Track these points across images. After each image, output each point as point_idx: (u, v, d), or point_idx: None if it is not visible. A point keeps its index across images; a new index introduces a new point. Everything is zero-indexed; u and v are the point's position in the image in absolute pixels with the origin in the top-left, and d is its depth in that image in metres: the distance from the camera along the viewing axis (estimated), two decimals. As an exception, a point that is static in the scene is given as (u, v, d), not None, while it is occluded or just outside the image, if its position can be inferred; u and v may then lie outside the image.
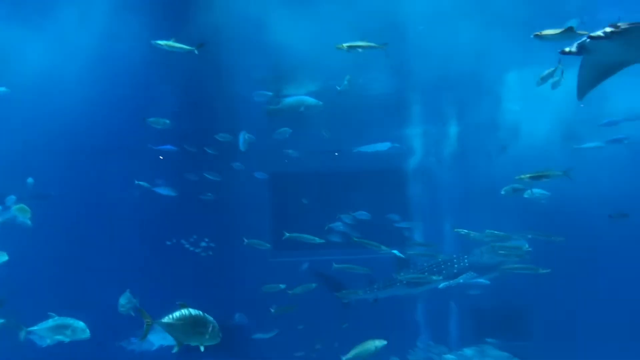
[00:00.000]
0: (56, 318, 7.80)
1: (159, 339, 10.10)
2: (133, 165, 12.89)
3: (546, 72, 10.15)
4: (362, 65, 11.04)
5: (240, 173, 13.03)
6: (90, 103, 11.78)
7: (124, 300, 9.39)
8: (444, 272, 11.72)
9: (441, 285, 11.51)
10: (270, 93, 12.30)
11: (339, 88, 10.65)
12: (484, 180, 12.34)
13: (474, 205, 13.07)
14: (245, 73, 12.01)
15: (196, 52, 7.96)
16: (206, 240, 14.07)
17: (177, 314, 5.60)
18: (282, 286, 10.95)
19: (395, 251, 10.88)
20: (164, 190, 12.35)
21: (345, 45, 7.97)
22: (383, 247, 9.95)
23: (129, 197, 13.05)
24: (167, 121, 10.98)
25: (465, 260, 11.86)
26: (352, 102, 12.54)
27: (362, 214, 12.68)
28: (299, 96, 12.54)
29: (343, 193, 14.30)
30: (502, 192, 9.47)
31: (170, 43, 7.87)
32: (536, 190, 10.21)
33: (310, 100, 12.28)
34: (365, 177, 14.64)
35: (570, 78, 12.10)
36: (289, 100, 12.53)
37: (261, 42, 10.70)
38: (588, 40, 5.15)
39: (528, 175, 8.38)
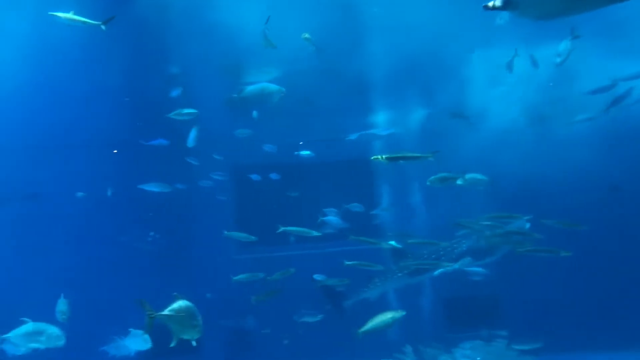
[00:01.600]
0: (30, 324, 7.38)
1: (135, 343, 9.46)
2: (76, 160, 12.16)
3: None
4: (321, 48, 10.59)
5: (200, 166, 12.45)
6: (26, 94, 11.07)
7: (64, 307, 8.63)
8: (442, 258, 11.34)
9: (436, 272, 11.11)
10: None
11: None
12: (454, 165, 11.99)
13: (446, 191, 12.70)
14: (199, 58, 11.39)
15: (103, 27, 7.29)
16: (160, 237, 13.41)
17: (175, 305, 5.43)
18: (261, 275, 10.53)
19: (392, 242, 10.38)
20: (153, 187, 11.65)
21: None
22: (382, 242, 9.87)
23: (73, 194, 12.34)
24: (193, 110, 10.40)
25: (464, 245, 11.51)
26: (315, 89, 12.08)
27: (356, 206, 12.26)
28: (261, 83, 11.97)
29: (311, 184, 13.78)
30: (428, 183, 8.90)
31: (71, 16, 7.25)
32: (470, 176, 9.61)
33: (273, 87, 11.78)
34: (335, 168, 14.12)
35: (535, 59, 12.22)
36: (251, 89, 12.01)
37: (212, 23, 10.11)
38: None
39: (385, 157, 7.72)
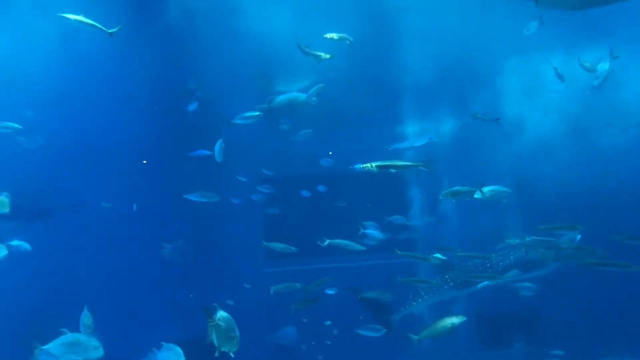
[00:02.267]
0: (69, 334, 7.36)
1: (168, 357, 9.24)
2: (101, 167, 12.16)
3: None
4: (350, 55, 10.37)
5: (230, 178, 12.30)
6: (55, 100, 11.10)
7: (88, 320, 8.47)
8: (489, 271, 10.99)
9: (479, 285, 10.77)
10: None
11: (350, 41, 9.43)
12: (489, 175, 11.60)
13: (480, 203, 12.29)
14: (229, 68, 11.29)
15: (110, 35, 7.28)
16: (190, 248, 13.29)
17: (218, 316, 5.39)
18: (298, 285, 10.20)
19: (438, 255, 10.05)
20: (199, 197, 11.23)
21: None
22: (428, 257, 9.39)
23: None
24: (257, 113, 10.32)
25: (511, 258, 11.12)
26: (346, 98, 11.87)
27: (398, 219, 11.89)
28: (291, 93, 11.83)
29: (341, 196, 13.50)
30: (440, 197, 8.50)
31: (81, 18, 7.18)
32: (490, 188, 8.82)
33: (303, 96, 11.60)
34: (365, 179, 13.80)
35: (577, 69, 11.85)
36: (281, 99, 11.84)
37: (241, 31, 9.99)
38: None
39: (375, 165, 7.42)
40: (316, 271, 11.64)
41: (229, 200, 12.50)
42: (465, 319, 7.14)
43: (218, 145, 10.36)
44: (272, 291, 10.07)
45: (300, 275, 11.86)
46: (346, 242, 9.59)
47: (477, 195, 8.58)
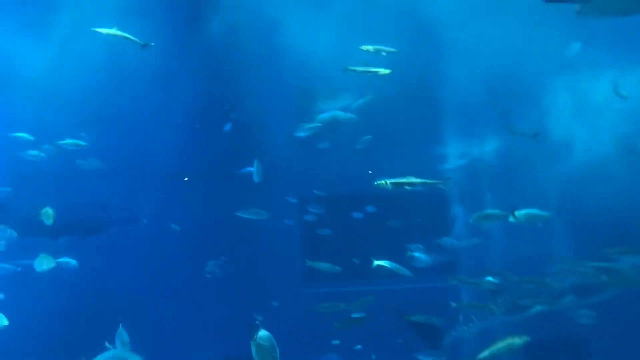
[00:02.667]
0: (112, 351, 7.38)
1: None
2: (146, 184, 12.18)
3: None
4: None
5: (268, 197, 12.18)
6: (94, 116, 11.18)
7: (125, 337, 8.33)
8: (543, 296, 10.49)
9: (533, 310, 10.41)
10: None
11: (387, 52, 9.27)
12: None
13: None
14: (269, 86, 11.24)
15: (142, 46, 7.28)
16: (230, 265, 13.17)
17: (260, 334, 5.20)
18: (342, 305, 10.04)
19: (489, 278, 9.79)
20: (250, 214, 11.24)
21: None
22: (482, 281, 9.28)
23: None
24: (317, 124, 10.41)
25: (566, 282, 10.57)
26: (389, 117, 11.64)
27: (447, 241, 11.69)
28: (333, 111, 11.71)
29: (381, 215, 13.19)
30: (471, 221, 8.33)
31: (114, 31, 7.22)
32: (524, 212, 8.27)
33: (344, 115, 11.48)
34: (405, 198, 13.47)
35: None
36: (323, 117, 11.73)
37: (282, 47, 9.92)
38: None
39: (390, 182, 7.24)
40: (356, 293, 11.36)
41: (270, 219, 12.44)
42: (528, 339, 6.75)
43: (255, 165, 10.36)
44: (314, 309, 9.94)
45: (339, 297, 11.64)
46: (394, 264, 9.29)
47: (511, 219, 8.25)
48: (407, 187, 7.36)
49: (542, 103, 12.22)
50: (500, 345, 6.66)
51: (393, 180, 7.26)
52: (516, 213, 8.13)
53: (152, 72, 10.20)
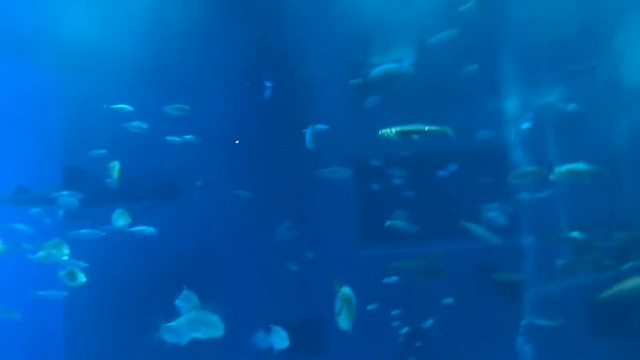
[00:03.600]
0: (193, 312, 7.12)
1: (275, 340, 8.98)
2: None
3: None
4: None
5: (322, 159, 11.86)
6: (143, 77, 10.99)
7: (193, 299, 8.25)
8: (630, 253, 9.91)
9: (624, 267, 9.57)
10: None
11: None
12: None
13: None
14: (319, 41, 10.79)
15: None
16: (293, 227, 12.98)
17: (344, 290, 5.29)
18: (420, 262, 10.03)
19: (575, 233, 9.43)
20: (333, 173, 11.02)
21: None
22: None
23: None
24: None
25: None
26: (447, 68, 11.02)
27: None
28: (388, 64, 11.06)
29: (434, 177, 12.72)
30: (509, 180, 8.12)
31: None
32: (565, 168, 7.81)
33: (400, 67, 10.93)
34: (462, 158, 12.90)
35: None
36: (377, 71, 11.17)
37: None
38: None
39: (395, 130, 6.82)
40: (419, 254, 11.05)
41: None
42: None
43: (309, 132, 10.03)
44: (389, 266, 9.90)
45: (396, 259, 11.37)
46: (480, 229, 8.93)
47: (551, 177, 7.71)
48: (414, 136, 6.92)
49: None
50: (626, 284, 6.69)
51: (398, 129, 6.83)
52: (557, 169, 7.64)
53: (204, 31, 9.92)
